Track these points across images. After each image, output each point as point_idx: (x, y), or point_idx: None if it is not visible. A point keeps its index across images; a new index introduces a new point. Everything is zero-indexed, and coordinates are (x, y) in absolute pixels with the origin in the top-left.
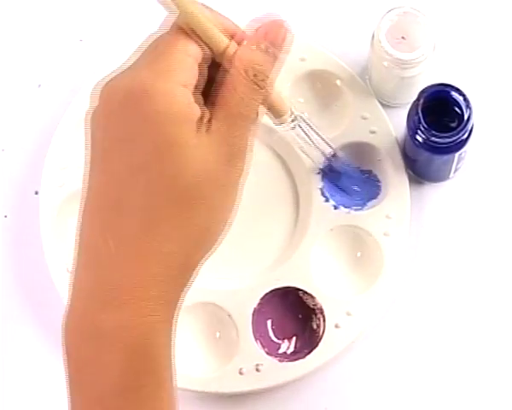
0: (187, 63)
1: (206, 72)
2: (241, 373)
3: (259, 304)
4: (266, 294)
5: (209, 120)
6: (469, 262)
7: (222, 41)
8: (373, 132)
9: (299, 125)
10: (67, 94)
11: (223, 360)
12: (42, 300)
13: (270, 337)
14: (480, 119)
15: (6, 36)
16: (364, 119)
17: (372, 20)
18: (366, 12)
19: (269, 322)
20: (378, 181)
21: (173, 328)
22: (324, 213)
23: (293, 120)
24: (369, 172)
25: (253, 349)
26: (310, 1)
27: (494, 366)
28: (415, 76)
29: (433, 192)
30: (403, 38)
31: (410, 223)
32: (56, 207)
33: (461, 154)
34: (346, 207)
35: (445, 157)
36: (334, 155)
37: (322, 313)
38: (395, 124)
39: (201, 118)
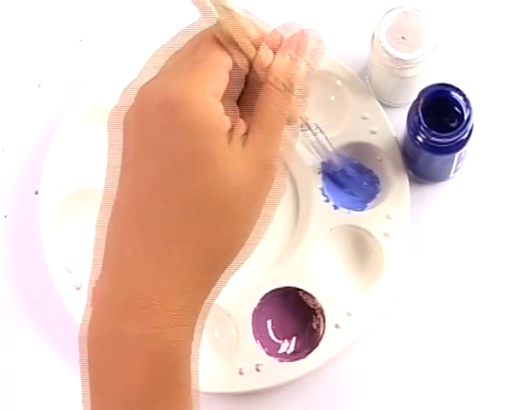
0: (221, 74)
1: (243, 82)
2: (241, 373)
3: (259, 304)
4: (266, 294)
5: (245, 133)
6: (469, 262)
7: (267, 59)
8: (373, 132)
9: (308, 124)
10: (67, 94)
11: (223, 360)
12: (42, 300)
13: (270, 337)
14: (480, 119)
15: (6, 36)
16: (364, 119)
17: (372, 20)
18: (366, 12)
19: (269, 322)
20: (377, 182)
21: (195, 338)
22: (324, 213)
23: (304, 128)
24: (369, 171)
25: (252, 349)
26: (310, 1)
27: (494, 366)
28: (415, 76)
29: (433, 192)
30: (403, 38)
31: (410, 223)
32: (56, 207)
33: (461, 154)
34: (346, 208)
35: (445, 157)
36: (337, 156)
37: (322, 313)
38: (395, 124)
39: (237, 130)
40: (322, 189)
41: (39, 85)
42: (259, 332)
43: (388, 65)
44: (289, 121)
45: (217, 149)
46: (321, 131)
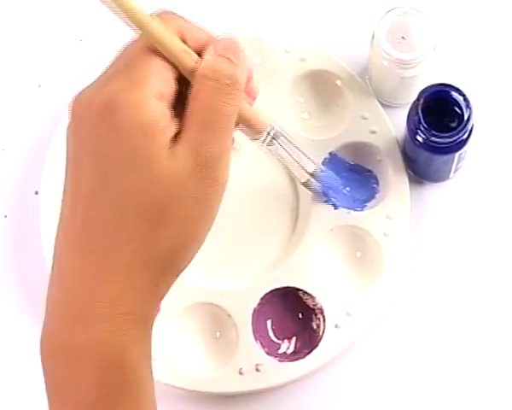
0: (161, 74)
1: (175, 83)
2: (240, 373)
3: (259, 304)
4: (266, 294)
5: (179, 132)
6: (469, 262)
7: (190, 59)
8: (373, 132)
9: (280, 143)
10: (67, 94)
11: (223, 360)
12: (41, 300)
13: (270, 337)
14: (480, 119)
15: (6, 36)
16: (364, 119)
17: (372, 20)
18: (366, 12)
19: (269, 322)
20: (376, 182)
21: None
22: (324, 213)
23: (273, 137)
24: (368, 171)
25: (252, 349)
26: (310, 1)
27: (494, 366)
28: (415, 76)
29: (433, 192)
30: (403, 38)
31: (410, 223)
32: (56, 207)
33: (461, 154)
34: (345, 208)
35: (445, 157)
36: (316, 173)
37: (322, 313)
38: (395, 124)
39: (170, 130)
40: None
41: (39, 85)
42: (259, 332)
43: (388, 65)
44: (237, 121)
45: (151, 149)
46: (292, 144)
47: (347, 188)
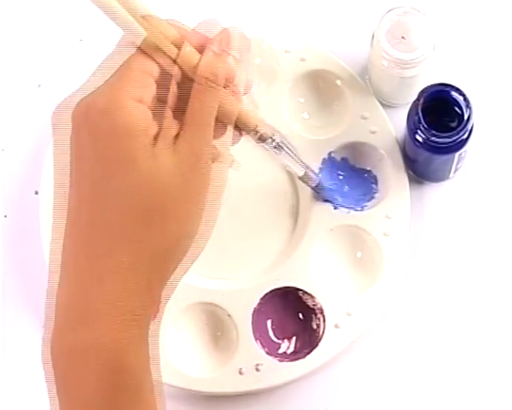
0: (143, 80)
1: (170, 85)
2: (240, 373)
3: (259, 304)
4: (266, 294)
5: (178, 133)
6: (469, 262)
7: (192, 58)
8: (373, 132)
9: (280, 148)
10: (67, 94)
11: (223, 360)
12: (42, 300)
13: (270, 337)
14: (480, 119)
15: (6, 36)
16: (364, 119)
17: (372, 20)
18: (366, 12)
19: (269, 322)
20: (375, 182)
21: (152, 338)
22: (324, 213)
23: (275, 146)
24: (367, 171)
25: (252, 349)
26: (310, 1)
27: (494, 366)
28: (415, 76)
29: (433, 192)
30: (403, 37)
31: (410, 223)
32: None
33: (461, 154)
34: (345, 208)
35: (445, 157)
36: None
37: (322, 313)
38: (395, 124)
39: (165, 131)
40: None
41: (39, 85)
42: (259, 332)
43: (388, 65)
44: (226, 119)
45: (138, 150)
46: (286, 145)
47: (346, 187)
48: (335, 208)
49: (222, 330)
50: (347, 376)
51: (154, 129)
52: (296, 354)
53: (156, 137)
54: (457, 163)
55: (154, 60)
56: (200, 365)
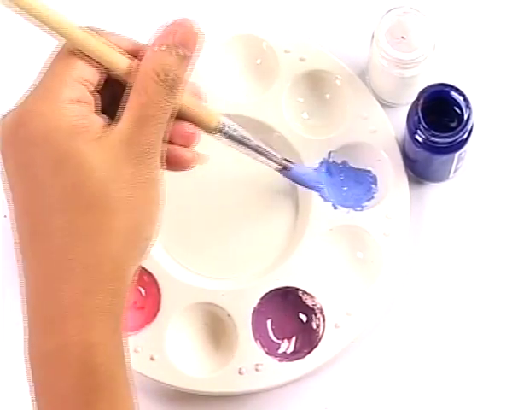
0: (72, 81)
1: (103, 86)
2: (240, 373)
3: (259, 304)
4: (266, 294)
5: (114, 125)
6: (469, 262)
7: (119, 60)
8: (373, 132)
9: (232, 137)
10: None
11: (222, 359)
12: None
13: (269, 337)
14: (480, 119)
15: (6, 36)
16: (364, 119)
17: (372, 20)
18: (366, 12)
19: (269, 322)
20: (374, 182)
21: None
22: (324, 212)
23: (223, 132)
24: (363, 171)
25: (252, 349)
26: (310, 1)
27: (494, 366)
28: (415, 76)
29: (433, 192)
30: (403, 38)
31: (410, 223)
32: None
33: (461, 154)
34: (345, 207)
35: (445, 157)
36: (285, 168)
37: (322, 313)
38: (395, 124)
39: (96, 126)
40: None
41: None
42: (259, 332)
43: (388, 65)
44: (184, 116)
45: (78, 148)
46: (242, 135)
47: (345, 188)
48: (335, 208)
49: (222, 331)
50: (347, 376)
51: (97, 124)
52: (296, 354)
53: (102, 131)
54: (457, 163)
55: (85, 60)
56: (200, 365)
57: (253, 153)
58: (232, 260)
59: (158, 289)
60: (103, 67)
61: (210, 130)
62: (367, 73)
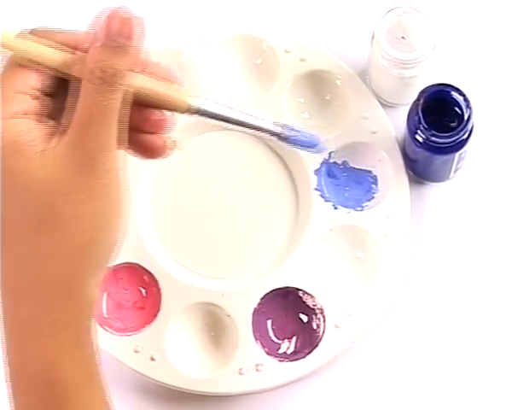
0: (13, 94)
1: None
2: (240, 373)
3: (259, 304)
4: (266, 294)
5: (61, 134)
6: (469, 262)
7: (54, 57)
8: (373, 132)
9: (208, 115)
10: None
11: (223, 359)
12: None
13: (270, 337)
14: (480, 119)
15: None
16: (364, 119)
17: (372, 20)
18: (366, 12)
19: (269, 322)
20: (375, 182)
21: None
22: (324, 213)
23: (197, 113)
24: (363, 171)
25: (252, 349)
26: (310, 1)
27: (494, 366)
28: (415, 76)
29: (433, 192)
30: (403, 38)
31: (410, 223)
32: None
33: (461, 154)
34: (345, 207)
35: (445, 157)
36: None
37: (322, 313)
38: (395, 124)
39: (40, 139)
40: (321, 189)
41: None
42: (259, 332)
43: (388, 65)
44: (152, 103)
45: (23, 163)
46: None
47: (345, 188)
48: (335, 208)
49: (222, 331)
50: (347, 376)
51: (41, 138)
52: (296, 354)
53: (42, 145)
54: (457, 163)
55: (31, 69)
56: (200, 365)
57: (240, 127)
58: (232, 260)
59: (158, 290)
60: (46, 67)
61: (182, 112)
62: (367, 73)
